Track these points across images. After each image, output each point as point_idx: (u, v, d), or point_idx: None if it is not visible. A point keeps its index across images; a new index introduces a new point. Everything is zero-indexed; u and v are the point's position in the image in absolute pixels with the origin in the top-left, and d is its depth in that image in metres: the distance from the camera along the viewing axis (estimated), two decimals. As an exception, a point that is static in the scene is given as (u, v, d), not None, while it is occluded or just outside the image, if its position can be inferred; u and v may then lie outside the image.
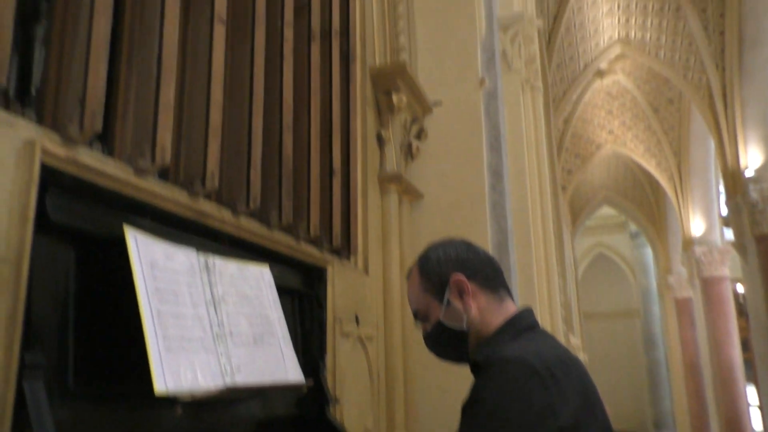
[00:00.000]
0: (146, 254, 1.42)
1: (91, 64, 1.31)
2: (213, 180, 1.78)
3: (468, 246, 1.57)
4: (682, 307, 16.98)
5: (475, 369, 1.40)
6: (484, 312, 1.48)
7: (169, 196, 1.62)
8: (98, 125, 1.33)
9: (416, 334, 3.13)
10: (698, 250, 14.84)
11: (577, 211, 18.34)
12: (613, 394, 18.52)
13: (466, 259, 1.52)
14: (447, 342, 1.52)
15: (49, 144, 1.22)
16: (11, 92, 1.28)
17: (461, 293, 1.48)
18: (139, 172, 1.52)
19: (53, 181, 1.23)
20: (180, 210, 1.68)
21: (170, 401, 1.37)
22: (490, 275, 1.52)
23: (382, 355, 3.20)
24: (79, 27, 1.37)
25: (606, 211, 20.42)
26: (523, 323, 1.47)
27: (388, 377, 3.20)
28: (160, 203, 1.59)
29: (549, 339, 1.45)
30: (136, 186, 1.48)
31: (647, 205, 18.56)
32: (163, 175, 1.69)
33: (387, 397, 3.17)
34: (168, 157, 1.57)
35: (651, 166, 15.85)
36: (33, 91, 1.61)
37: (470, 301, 1.48)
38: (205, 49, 1.80)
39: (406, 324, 3.37)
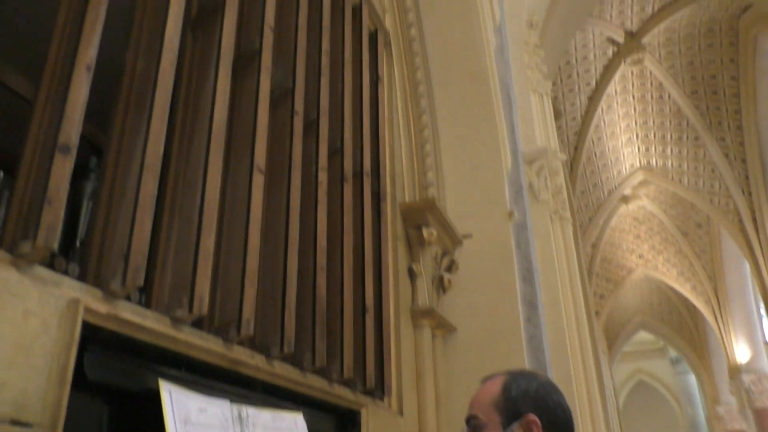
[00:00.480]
0: (180, 410, 1.38)
1: (138, 219, 1.35)
2: (248, 326, 1.75)
3: (557, 396, 1.54)
4: (736, 440, 15.85)
5: None
6: None
7: (204, 345, 1.60)
8: (140, 280, 1.34)
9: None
10: (746, 378, 14.10)
11: (613, 336, 17.79)
12: None
13: (550, 408, 1.49)
14: None
15: (92, 301, 1.23)
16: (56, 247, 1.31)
17: None
18: (176, 322, 1.51)
19: (92, 338, 1.23)
20: (214, 359, 1.65)
21: None
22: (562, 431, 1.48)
23: (420, 505, 2.99)
24: (127, 183, 1.42)
25: (643, 336, 19.77)
26: None
27: None
28: (194, 353, 1.56)
29: None
30: (172, 337, 1.47)
31: (686, 329, 17.95)
32: (198, 323, 1.68)
33: None
34: (205, 306, 1.56)
35: (686, 290, 15.50)
36: (77, 244, 1.66)
37: None
38: (244, 197, 1.85)
39: (444, 470, 3.17)
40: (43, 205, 1.11)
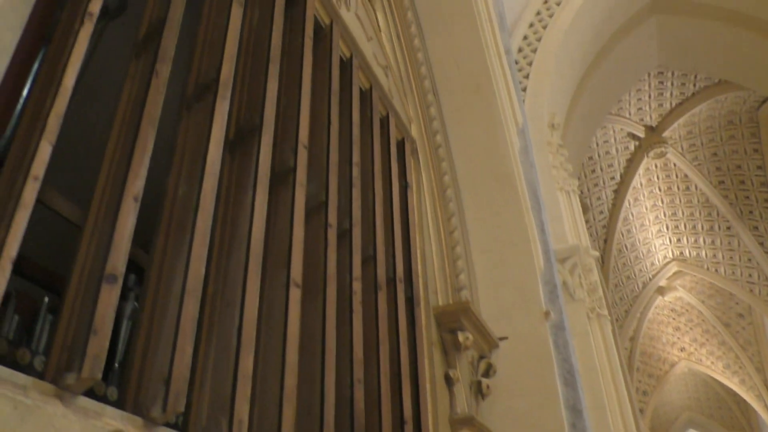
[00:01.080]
0: None
1: (179, 344, 1.35)
2: (287, 447, 1.70)
3: None
4: None
5: None
6: None
7: (243, 470, 1.55)
8: (181, 406, 1.32)
9: None
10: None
11: (661, 436, 16.82)
12: None
13: None
14: None
15: (132, 430, 1.21)
16: (99, 374, 1.31)
17: None
18: (215, 447, 1.47)
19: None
20: (253, 484, 1.59)
21: None
22: None
23: None
24: (168, 307, 1.43)
25: (693, 434, 18.62)
26: None
27: None
28: (233, 479, 1.51)
29: None
30: (211, 464, 1.43)
31: (738, 427, 16.91)
32: (237, 446, 1.63)
33: None
34: (245, 429, 1.53)
35: (734, 384, 14.75)
36: (116, 366, 1.66)
37: None
38: (281, 313, 1.85)
39: None
40: (89, 336, 1.12)
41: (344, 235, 2.49)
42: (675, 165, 11.60)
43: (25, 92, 1.36)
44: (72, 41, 1.27)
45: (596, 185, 11.39)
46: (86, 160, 2.05)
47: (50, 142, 1.15)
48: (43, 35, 1.46)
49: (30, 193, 1.08)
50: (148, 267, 1.55)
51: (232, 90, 1.87)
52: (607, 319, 5.05)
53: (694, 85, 10.19)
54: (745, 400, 15.08)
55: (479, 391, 3.62)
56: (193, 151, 1.72)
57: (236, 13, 1.97)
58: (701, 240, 12.26)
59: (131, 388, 1.37)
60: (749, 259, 11.38)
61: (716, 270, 12.36)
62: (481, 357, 3.73)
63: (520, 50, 6.00)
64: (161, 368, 1.35)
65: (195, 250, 1.48)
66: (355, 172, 2.71)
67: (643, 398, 14.90)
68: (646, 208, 12.18)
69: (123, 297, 1.96)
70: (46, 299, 1.60)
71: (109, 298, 1.18)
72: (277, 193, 2.12)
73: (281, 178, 2.13)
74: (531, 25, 6.11)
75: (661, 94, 10.15)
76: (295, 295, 1.91)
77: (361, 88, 3.15)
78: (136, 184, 1.33)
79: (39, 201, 1.11)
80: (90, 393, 1.23)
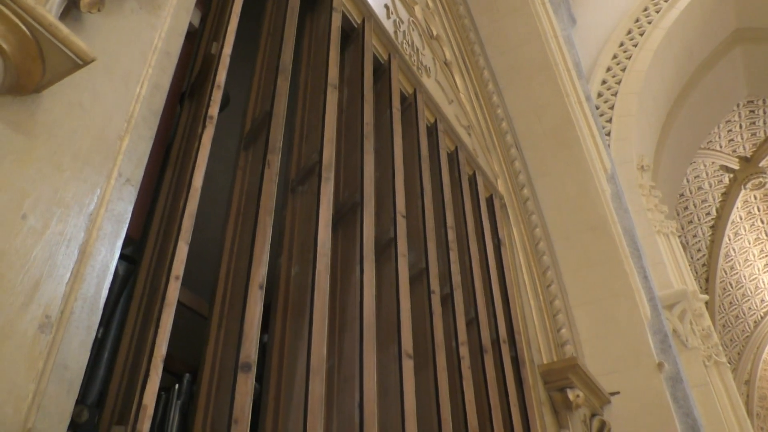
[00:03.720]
0: None
1: (309, 423, 1.36)
2: None
3: None
4: None
5: None
6: None
7: None
8: (316, 490, 1.33)
9: None
10: None
11: (795, 490, 15.26)
12: None
13: None
14: None
15: None
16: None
17: None
18: None
19: None
20: None
21: None
22: None
23: None
24: (294, 388, 1.46)
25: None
26: None
27: None
28: None
29: None
30: None
31: None
32: None
33: None
34: None
35: None
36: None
37: None
38: (397, 386, 1.85)
39: None
40: (230, 425, 1.16)
41: (446, 300, 2.48)
42: (776, 194, 10.93)
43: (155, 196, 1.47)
44: (197, 145, 1.37)
45: (690, 222, 10.87)
46: (201, 250, 2.15)
47: (186, 242, 1.23)
48: (166, 139, 1.58)
49: (173, 292, 1.15)
50: (269, 348, 1.60)
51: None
52: (727, 366, 4.71)
53: (787, 110, 9.68)
54: None
55: (596, 452, 3.44)
56: (303, 233, 1.79)
57: (332, 97, 2.06)
58: (815, 271, 11.38)
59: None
60: None
61: (838, 303, 11.39)
62: (594, 415, 3.56)
63: (599, 95, 5.92)
64: (292, 451, 1.37)
65: (315, 329, 1.51)
66: (451, 235, 2.72)
67: (769, 448, 13.66)
68: (749, 242, 11.47)
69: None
70: (177, 386, 1.67)
71: (245, 386, 1.22)
72: (380, 264, 2.15)
73: (383, 248, 2.17)
74: (608, 69, 6.04)
75: (753, 123, 9.69)
76: (409, 366, 1.91)
77: (447, 151, 3.19)
78: (260, 271, 1.39)
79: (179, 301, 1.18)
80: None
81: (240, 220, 1.60)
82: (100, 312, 0.97)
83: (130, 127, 1.14)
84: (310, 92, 2.21)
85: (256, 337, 1.31)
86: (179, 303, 1.97)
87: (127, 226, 1.06)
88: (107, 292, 0.98)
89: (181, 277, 1.19)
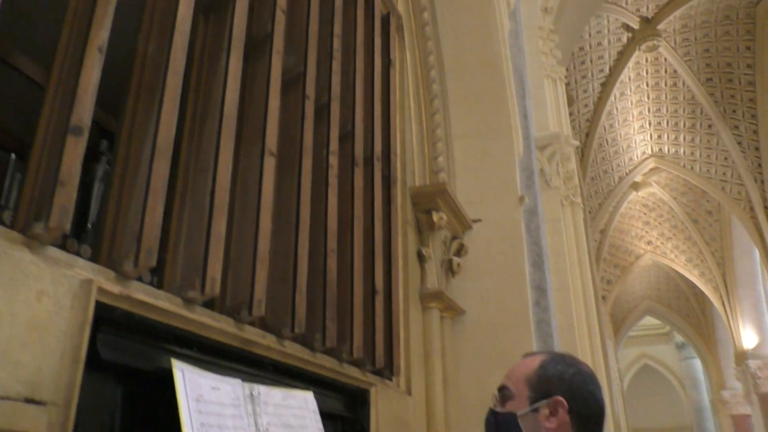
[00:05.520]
0: (192, 389, 1.39)
1: (150, 203, 1.35)
2: (260, 307, 1.77)
3: (593, 387, 1.52)
4: (740, 424, 15.93)
5: None
6: None
7: (216, 325, 1.61)
8: (153, 261, 1.35)
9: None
10: (752, 363, 14.14)
11: (619, 321, 17.83)
12: None
13: (582, 396, 1.47)
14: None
15: (104, 281, 1.24)
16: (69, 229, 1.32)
17: (551, 414, 1.44)
18: (188, 302, 1.52)
19: (105, 319, 1.24)
20: (226, 339, 1.66)
21: None
22: (588, 423, 1.47)
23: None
24: (139, 167, 1.42)
25: (649, 321, 19.78)
26: None
27: None
28: (206, 333, 1.58)
29: None
30: (184, 317, 1.48)
31: (693, 316, 17.95)
32: (210, 304, 1.69)
33: None
34: (217, 287, 1.58)
35: (694, 277, 15.46)
36: (89, 226, 1.67)
37: (552, 426, 1.43)
38: (256, 181, 1.86)
39: (450, 453, 3.20)
40: (55, 186, 1.12)
41: (322, 110, 2.45)
42: (665, 60, 11.40)
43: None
44: None
45: (584, 77, 11.22)
46: (48, 19, 1.94)
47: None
48: None
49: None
50: (118, 124, 1.52)
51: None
52: (580, 207, 5.16)
53: (696, -25, 9.83)
54: (702, 292, 15.87)
55: (450, 269, 3.75)
56: (164, 9, 1.64)
57: None
58: (681, 137, 12.33)
59: (104, 246, 1.39)
60: (725, 158, 11.54)
61: (692, 168, 12.55)
62: (454, 237, 3.83)
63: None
64: (133, 226, 1.37)
65: (165, 109, 1.45)
66: (336, 44, 2.62)
67: (607, 287, 15.60)
68: (632, 103, 12.11)
69: (95, 159, 1.94)
70: (13, 156, 1.58)
71: (75, 150, 1.16)
72: (253, 60, 2.05)
73: (257, 44, 2.06)
74: None
75: (662, -18, 9.78)
76: (270, 163, 1.91)
77: (346, -46, 2.98)
78: (101, 34, 1.28)
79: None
80: (63, 249, 1.25)
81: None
82: None
83: None
84: None
85: (91, 101, 1.23)
86: (18, 71, 1.81)
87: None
88: None
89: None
